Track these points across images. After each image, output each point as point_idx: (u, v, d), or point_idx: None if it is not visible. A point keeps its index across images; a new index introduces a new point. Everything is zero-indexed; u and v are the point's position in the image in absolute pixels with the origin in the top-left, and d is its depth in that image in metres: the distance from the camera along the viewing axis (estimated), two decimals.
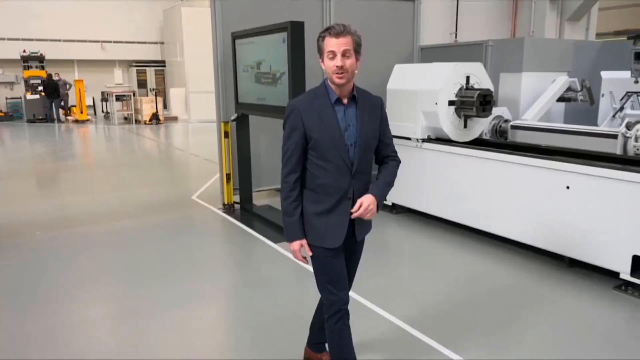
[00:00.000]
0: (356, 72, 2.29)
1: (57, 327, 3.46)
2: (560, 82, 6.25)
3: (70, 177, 8.89)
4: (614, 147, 4.71)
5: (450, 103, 5.15)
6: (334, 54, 2.21)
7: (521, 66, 6.28)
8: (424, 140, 5.42)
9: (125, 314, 3.66)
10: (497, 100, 6.46)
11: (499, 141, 5.68)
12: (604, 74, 6.11)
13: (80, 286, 4.15)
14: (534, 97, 6.29)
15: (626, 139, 4.57)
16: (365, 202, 2.30)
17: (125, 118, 18.90)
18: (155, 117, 17.63)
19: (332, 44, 2.21)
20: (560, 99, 6.36)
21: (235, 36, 5.82)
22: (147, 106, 17.82)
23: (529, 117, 5.98)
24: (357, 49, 2.26)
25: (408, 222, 5.75)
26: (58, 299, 3.89)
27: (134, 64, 22.69)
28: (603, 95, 6.17)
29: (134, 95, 18.96)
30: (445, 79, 5.13)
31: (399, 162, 2.52)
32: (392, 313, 3.56)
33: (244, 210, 6.24)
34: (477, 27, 8.68)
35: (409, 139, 5.53)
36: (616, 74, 6.00)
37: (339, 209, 2.34)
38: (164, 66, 22.48)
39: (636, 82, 4.95)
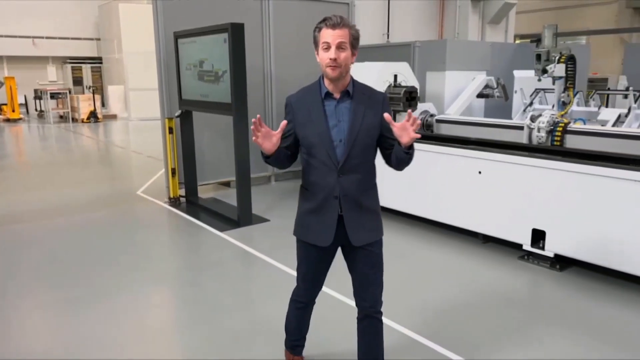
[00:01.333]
0: (351, 67, 2.22)
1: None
2: (479, 80, 6.91)
3: (5, 177, 8.72)
4: (522, 137, 5.37)
5: None
6: (328, 46, 2.13)
7: (444, 65, 6.89)
8: None
9: (70, 301, 3.86)
10: (425, 97, 7.05)
11: (426, 133, 6.24)
12: (516, 73, 6.83)
13: (20, 279, 4.29)
14: (456, 93, 6.91)
15: (530, 129, 5.22)
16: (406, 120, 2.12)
17: (61, 116, 18.36)
18: (93, 115, 17.28)
19: (328, 35, 2.13)
20: (480, 95, 7.03)
21: (178, 35, 6.06)
22: (85, 104, 17.42)
23: (452, 112, 6.59)
24: (353, 42, 2.18)
25: None
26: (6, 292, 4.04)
27: (69, 60, 21.97)
28: (516, 91, 6.91)
29: (69, 92, 18.44)
30: (374, 78, 5.62)
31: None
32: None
33: (190, 203, 6.49)
34: (408, 28, 9.31)
35: None
36: (526, 73, 6.72)
37: (325, 208, 2.28)
38: (101, 63, 21.92)
39: (539, 80, 5.62)
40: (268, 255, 4.67)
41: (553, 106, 5.66)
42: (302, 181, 2.39)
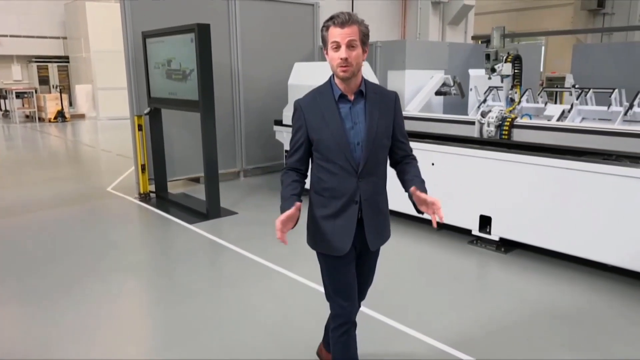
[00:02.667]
0: (363, 65, 2.15)
1: None
2: (437, 78, 7.28)
3: None
4: (474, 132, 5.75)
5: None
6: (338, 45, 2.04)
7: (404, 64, 7.22)
8: None
9: (41, 291, 4.03)
10: None
11: None
12: (471, 72, 7.23)
13: None
14: (416, 91, 7.26)
15: (481, 124, 5.60)
16: (433, 199, 2.09)
17: (27, 116, 18.11)
18: (60, 115, 17.12)
19: (336, 34, 2.04)
20: (438, 93, 7.41)
21: (146, 35, 6.23)
22: (52, 103, 17.24)
23: (412, 108, 6.95)
24: (363, 39, 2.09)
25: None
26: None
27: (34, 59, 21.60)
28: (471, 89, 7.31)
29: (35, 92, 18.19)
30: None
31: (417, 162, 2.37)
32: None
33: (160, 198, 6.67)
34: (372, 28, 9.58)
35: None
36: (481, 72, 7.12)
37: (345, 214, 2.17)
38: (68, 62, 21.63)
39: (489, 78, 6.00)
40: (236, 244, 4.92)
41: None
42: (314, 187, 2.26)
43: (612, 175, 3.88)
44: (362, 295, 2.49)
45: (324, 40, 2.12)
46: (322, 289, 3.96)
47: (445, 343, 3.12)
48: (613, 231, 3.90)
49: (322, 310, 3.63)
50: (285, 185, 2.19)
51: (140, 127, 6.57)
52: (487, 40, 6.07)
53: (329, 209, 2.20)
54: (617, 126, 5.65)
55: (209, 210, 5.80)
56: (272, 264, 4.40)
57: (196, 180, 7.52)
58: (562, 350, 3.08)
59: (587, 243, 4.06)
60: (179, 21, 6.42)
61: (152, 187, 6.79)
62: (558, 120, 6.13)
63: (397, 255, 4.67)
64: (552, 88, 8.44)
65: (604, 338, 3.21)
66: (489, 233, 4.72)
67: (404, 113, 6.64)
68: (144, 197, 6.68)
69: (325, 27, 2.10)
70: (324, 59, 8.18)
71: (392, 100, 2.24)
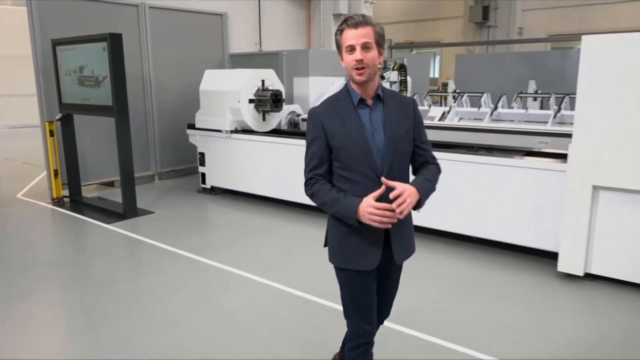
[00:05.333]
0: (380, 66, 2.05)
1: None
2: (338, 84, 8.05)
3: None
4: None
5: (250, 101, 6.48)
6: (352, 48, 1.96)
7: (308, 72, 7.92)
8: (232, 132, 6.68)
9: None
10: (292, 99, 8.03)
11: (293, 130, 7.21)
12: None
13: None
14: (319, 95, 7.97)
15: None
16: (401, 188, 1.91)
17: None
18: None
19: (351, 36, 1.97)
20: None
21: (55, 43, 6.37)
22: None
23: None
24: (379, 41, 2.00)
25: (225, 200, 6.95)
26: None
27: None
28: None
29: None
30: (245, 82, 6.44)
31: (440, 167, 2.23)
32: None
33: (74, 202, 6.78)
34: (279, 38, 10.28)
35: (219, 131, 6.73)
36: None
37: (371, 227, 1.97)
38: None
39: (383, 78, 6.81)
40: (153, 239, 5.27)
41: None
42: None
43: (483, 164, 4.65)
44: (386, 312, 2.38)
45: (339, 45, 2.04)
46: (232, 270, 4.51)
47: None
48: (484, 210, 4.73)
49: (238, 289, 4.17)
50: (327, 191, 2.05)
51: (51, 133, 6.66)
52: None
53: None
54: (486, 124, 6.69)
55: (125, 210, 6.07)
56: (188, 253, 4.83)
57: (110, 184, 7.67)
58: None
59: (463, 221, 4.89)
60: (88, 28, 6.63)
61: (66, 192, 6.88)
62: (440, 120, 7.10)
63: (296, 238, 5.28)
64: (437, 93, 9.55)
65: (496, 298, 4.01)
66: None
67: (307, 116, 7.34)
68: (58, 202, 6.77)
69: (340, 30, 2.03)
70: (234, 66, 8.77)
71: (410, 106, 2.16)
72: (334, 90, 8.01)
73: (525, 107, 7.31)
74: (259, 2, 9.71)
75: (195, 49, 8.41)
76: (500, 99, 6.82)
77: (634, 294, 3.88)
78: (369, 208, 1.92)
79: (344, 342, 2.59)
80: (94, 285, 4.22)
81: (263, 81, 6.57)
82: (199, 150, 7.18)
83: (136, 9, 7.63)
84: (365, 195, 1.97)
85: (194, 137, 7.23)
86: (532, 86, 8.19)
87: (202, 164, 7.14)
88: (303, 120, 7.28)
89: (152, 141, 8.04)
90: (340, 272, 2.18)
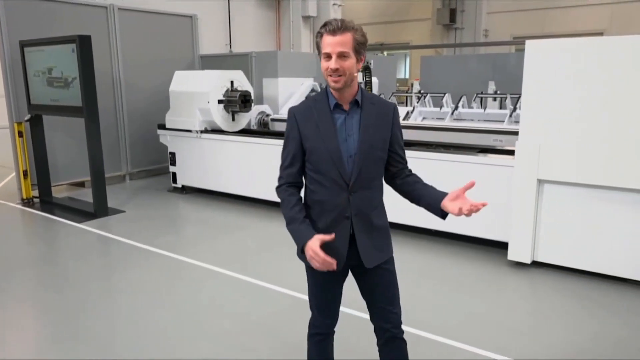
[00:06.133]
0: (356, 74, 2.03)
1: None
2: (306, 84, 8.26)
3: None
4: None
5: (220, 102, 6.63)
6: (328, 55, 1.96)
7: (277, 73, 8.10)
8: (202, 132, 6.82)
9: None
10: (262, 100, 8.20)
11: (263, 130, 7.39)
12: None
13: None
14: (288, 96, 8.17)
15: None
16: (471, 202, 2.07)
17: None
18: None
19: (328, 43, 1.96)
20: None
21: (24, 44, 6.40)
22: None
23: (285, 112, 7.82)
24: (357, 47, 1.98)
25: (196, 199, 7.08)
26: None
27: None
28: None
29: None
30: (213, 83, 6.60)
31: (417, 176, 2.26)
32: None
33: (44, 202, 6.82)
34: (249, 39, 10.43)
35: (190, 131, 6.87)
36: None
37: (336, 229, 2.06)
38: None
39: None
40: (125, 237, 5.38)
41: None
42: (306, 199, 2.19)
43: (440, 161, 4.94)
44: (392, 311, 2.27)
45: (318, 48, 2.03)
46: (205, 265, 4.66)
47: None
48: None
49: (204, 281, 4.34)
50: (291, 206, 2.09)
51: (20, 134, 6.69)
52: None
53: (320, 223, 2.11)
54: (446, 123, 6.99)
55: (96, 209, 6.16)
56: (161, 250, 4.97)
57: (81, 184, 7.72)
58: None
59: (422, 215, 5.15)
60: (57, 29, 6.68)
61: (36, 193, 6.91)
62: (404, 119, 7.38)
63: (243, 228, 5.48)
64: (401, 93, 9.86)
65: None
66: None
67: (277, 116, 7.53)
68: (28, 202, 6.79)
69: (319, 34, 2.01)
70: (205, 67, 8.90)
71: (390, 111, 2.15)
72: (303, 91, 8.26)
73: (485, 106, 7.65)
74: (229, 3, 9.85)
75: (166, 50, 8.51)
76: (460, 99, 7.13)
77: (575, 279, 4.21)
78: (310, 251, 1.97)
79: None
80: (66, 283, 4.34)
81: (232, 82, 6.73)
82: (170, 150, 7.29)
83: (105, 11, 7.69)
84: (333, 199, 2.07)
85: (165, 137, 7.34)
86: (491, 87, 8.55)
87: (173, 163, 7.26)
88: (272, 120, 7.47)
89: (123, 142, 8.10)
90: (307, 267, 2.21)
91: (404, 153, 2.23)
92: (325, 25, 1.99)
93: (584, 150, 3.97)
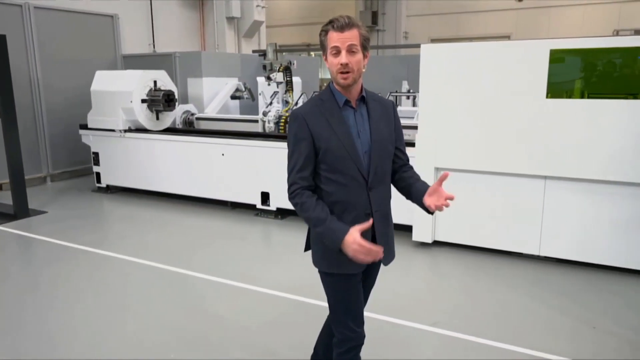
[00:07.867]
0: (363, 70, 2.02)
1: None
2: (230, 84, 8.50)
3: None
4: (259, 128, 7.07)
5: (143, 101, 6.74)
6: (337, 50, 1.94)
7: (201, 73, 8.28)
8: (125, 131, 6.89)
9: None
10: (187, 99, 8.35)
11: (187, 129, 7.55)
12: (259, 79, 8.57)
13: None
14: (213, 96, 8.37)
15: (264, 122, 6.94)
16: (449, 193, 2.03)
17: None
18: None
19: (336, 38, 1.94)
20: (233, 97, 8.62)
21: None
22: None
23: (209, 111, 8.03)
24: (364, 44, 1.98)
25: (121, 198, 7.13)
26: None
27: None
28: (260, 94, 8.67)
29: None
30: (136, 83, 6.70)
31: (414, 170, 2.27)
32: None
33: None
34: (173, 39, 10.47)
35: (113, 130, 6.92)
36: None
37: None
38: None
39: (268, 85, 7.38)
40: (48, 236, 5.40)
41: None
42: None
43: None
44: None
45: (323, 46, 2.01)
46: (132, 259, 4.82)
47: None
48: None
49: (138, 277, 4.50)
50: (313, 207, 2.00)
51: None
52: (262, 53, 7.44)
53: None
54: None
55: (16, 210, 6.09)
56: (85, 247, 5.07)
57: None
58: None
59: None
60: None
61: None
62: None
63: (206, 233, 5.71)
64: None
65: None
66: (269, 205, 6.04)
67: (202, 115, 7.71)
68: None
69: (324, 31, 2.00)
70: (127, 67, 8.94)
71: (390, 108, 2.18)
72: (227, 91, 8.49)
73: (399, 104, 8.26)
74: (151, 3, 9.86)
75: (86, 49, 8.43)
76: None
77: (469, 254, 4.80)
78: (354, 245, 1.88)
79: (316, 349, 2.60)
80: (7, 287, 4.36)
81: (155, 82, 6.86)
82: (93, 150, 7.28)
83: (20, 9, 7.53)
84: (354, 197, 2.04)
85: (87, 137, 7.32)
86: (405, 86, 9.19)
87: (97, 163, 7.26)
88: (198, 119, 7.65)
89: (43, 142, 7.96)
90: (326, 276, 2.15)
91: (405, 149, 2.26)
92: (331, 22, 1.98)
93: (471, 141, 4.55)
